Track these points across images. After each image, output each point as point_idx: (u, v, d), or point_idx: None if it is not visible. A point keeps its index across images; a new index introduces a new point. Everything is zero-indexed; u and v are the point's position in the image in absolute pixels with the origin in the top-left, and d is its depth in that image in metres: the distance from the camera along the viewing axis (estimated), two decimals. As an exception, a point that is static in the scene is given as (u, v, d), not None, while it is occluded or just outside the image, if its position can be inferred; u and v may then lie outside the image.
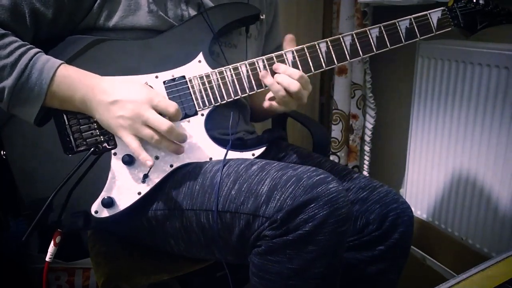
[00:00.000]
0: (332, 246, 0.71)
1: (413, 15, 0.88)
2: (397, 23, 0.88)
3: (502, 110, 1.18)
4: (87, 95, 0.76)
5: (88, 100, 0.76)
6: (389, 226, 0.86)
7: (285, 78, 0.82)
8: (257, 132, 1.06)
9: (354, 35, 0.87)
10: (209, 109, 0.84)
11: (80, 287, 1.45)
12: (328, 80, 1.85)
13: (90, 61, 0.81)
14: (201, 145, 0.83)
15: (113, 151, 0.80)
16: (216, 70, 0.84)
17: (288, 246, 0.71)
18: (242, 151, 0.85)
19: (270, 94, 0.87)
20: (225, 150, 0.84)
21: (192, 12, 0.88)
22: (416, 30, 0.88)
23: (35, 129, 0.78)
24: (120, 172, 0.80)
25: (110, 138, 0.80)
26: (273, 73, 0.84)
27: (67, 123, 0.80)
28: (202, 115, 0.84)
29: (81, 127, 0.80)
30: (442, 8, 0.89)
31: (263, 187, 0.73)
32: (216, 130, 0.87)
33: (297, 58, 0.85)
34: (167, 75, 0.83)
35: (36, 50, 0.76)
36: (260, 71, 0.85)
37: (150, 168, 0.80)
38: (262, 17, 0.93)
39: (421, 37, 0.89)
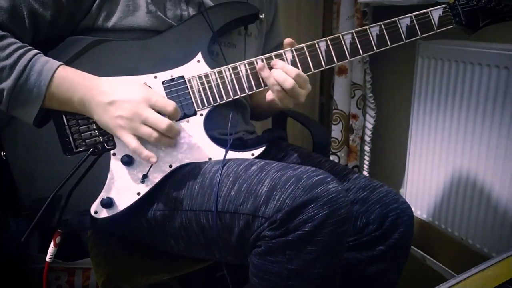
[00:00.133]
0: (332, 246, 0.71)
1: (414, 13, 0.87)
2: (397, 21, 0.87)
3: (502, 110, 1.18)
4: (85, 96, 0.76)
5: (86, 101, 0.76)
6: (389, 226, 0.86)
7: (280, 74, 0.82)
8: (257, 132, 1.06)
9: (354, 33, 0.86)
10: (208, 109, 0.84)
11: (80, 287, 1.45)
12: (328, 80, 1.85)
13: (89, 61, 0.81)
14: (200, 145, 0.83)
15: (112, 152, 0.80)
16: (215, 70, 0.84)
17: (287, 246, 0.70)
18: (242, 151, 0.85)
19: (270, 92, 0.87)
20: (224, 150, 0.84)
21: (192, 12, 0.88)
22: (417, 28, 0.87)
23: (35, 130, 0.78)
24: (119, 172, 0.80)
25: (109, 138, 0.80)
26: (272, 69, 0.84)
27: (66, 124, 0.80)
28: (201, 115, 0.84)
29: (80, 127, 0.80)
30: (443, 5, 0.88)
31: (262, 188, 0.73)
32: (215, 130, 0.87)
33: (296, 57, 0.85)
34: (166, 75, 0.83)
35: (35, 51, 0.76)
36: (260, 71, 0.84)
37: (150, 169, 0.80)
38: (261, 16, 0.93)
39: (422, 35, 0.88)
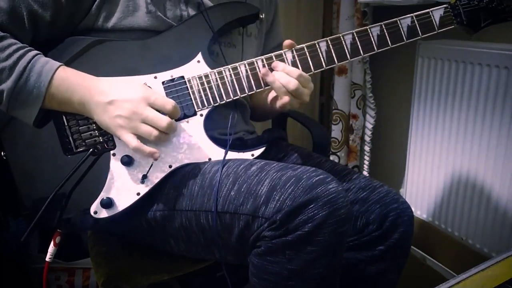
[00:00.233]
0: (332, 246, 0.71)
1: (415, 13, 0.87)
2: (398, 21, 0.87)
3: (502, 110, 1.18)
4: (84, 97, 0.76)
5: (86, 102, 0.76)
6: (389, 226, 0.86)
7: (282, 75, 0.82)
8: (257, 132, 1.06)
9: (354, 33, 0.86)
10: (208, 109, 0.84)
11: (80, 287, 1.45)
12: (328, 80, 1.85)
13: (89, 62, 0.81)
14: (200, 145, 0.83)
15: (112, 152, 0.80)
16: (215, 70, 0.84)
17: (287, 246, 0.70)
18: (241, 152, 0.85)
19: (272, 94, 0.87)
20: (224, 151, 0.84)
21: (192, 12, 0.88)
22: (418, 28, 0.87)
23: (35, 130, 0.78)
24: (119, 172, 0.80)
25: (109, 138, 0.80)
26: (272, 71, 0.84)
27: (66, 124, 0.80)
28: (201, 115, 0.84)
29: (80, 128, 0.80)
30: (444, 5, 0.88)
31: (262, 188, 0.73)
32: (215, 130, 0.87)
33: (296, 58, 0.85)
34: (166, 75, 0.83)
35: (35, 52, 0.76)
36: (260, 71, 0.84)
37: (149, 169, 0.80)
38: (261, 16, 0.92)
39: (423, 35, 0.88)
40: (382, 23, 0.87)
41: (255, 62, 0.85)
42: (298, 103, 0.85)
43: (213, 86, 0.84)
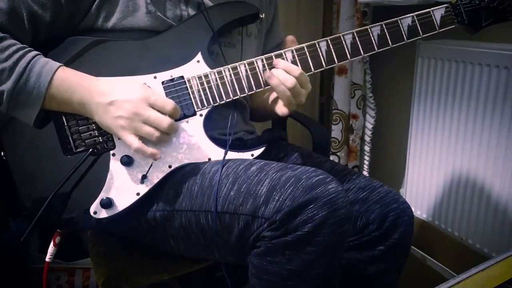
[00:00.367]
0: (332, 246, 0.71)
1: (416, 13, 0.87)
2: (399, 21, 0.87)
3: (502, 110, 1.18)
4: (84, 97, 0.76)
5: (86, 102, 0.76)
6: (389, 226, 0.86)
7: (281, 73, 0.82)
8: (257, 132, 1.06)
9: (355, 33, 0.86)
10: (208, 109, 0.84)
11: (80, 287, 1.45)
12: (328, 80, 1.85)
13: (89, 62, 0.81)
14: (200, 145, 0.83)
15: (111, 152, 0.80)
16: (214, 70, 0.84)
17: (287, 247, 0.70)
18: (241, 152, 0.85)
19: (273, 95, 0.86)
20: (224, 151, 0.84)
21: (192, 12, 0.88)
22: (419, 28, 0.87)
23: (35, 130, 0.78)
24: (118, 173, 0.80)
25: (109, 139, 0.80)
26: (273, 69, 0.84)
27: (66, 124, 0.80)
28: (201, 115, 0.84)
29: (79, 128, 0.80)
30: (445, 5, 0.87)
31: (262, 188, 0.73)
32: (215, 130, 0.87)
33: (296, 58, 0.85)
34: (166, 75, 0.83)
35: (35, 53, 0.76)
36: (259, 71, 0.84)
37: (149, 169, 0.80)
38: (261, 16, 0.92)
39: (424, 35, 0.87)
40: (382, 22, 0.86)
41: (254, 62, 0.85)
42: (295, 105, 0.85)
43: (213, 86, 0.84)
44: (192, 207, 0.79)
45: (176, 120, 0.80)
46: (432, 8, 0.87)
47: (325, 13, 1.82)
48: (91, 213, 0.79)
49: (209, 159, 0.84)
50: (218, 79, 0.84)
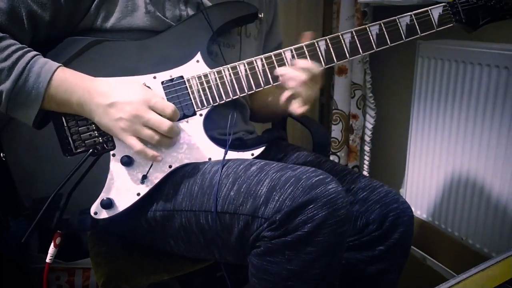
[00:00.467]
0: (331, 247, 0.71)
1: (414, 12, 0.87)
2: (397, 19, 0.87)
3: (502, 110, 1.18)
4: (83, 98, 0.76)
5: (85, 103, 0.76)
6: (389, 226, 0.86)
7: (290, 70, 0.82)
8: (257, 132, 1.06)
9: (353, 32, 0.86)
10: (208, 109, 0.84)
11: (80, 287, 1.45)
12: (328, 80, 1.85)
13: (88, 62, 0.81)
14: (199, 145, 0.83)
15: (111, 152, 0.80)
16: (214, 70, 0.84)
17: (287, 247, 0.70)
18: (241, 151, 0.85)
19: (285, 95, 0.85)
20: (224, 150, 0.84)
21: (191, 12, 0.88)
22: (417, 27, 0.87)
23: (34, 130, 0.78)
24: (119, 173, 0.80)
25: (109, 139, 0.80)
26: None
27: (65, 125, 0.80)
28: (201, 115, 0.84)
29: (79, 128, 0.80)
30: (443, 4, 0.88)
31: (262, 188, 0.73)
32: (215, 130, 0.87)
33: (296, 57, 0.85)
34: (165, 75, 0.83)
35: (34, 53, 0.76)
36: (260, 70, 0.84)
37: (149, 169, 0.80)
38: (260, 16, 0.92)
39: (422, 34, 0.88)
40: (381, 21, 0.87)
41: (254, 62, 0.85)
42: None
43: (213, 85, 0.84)
44: (192, 207, 0.79)
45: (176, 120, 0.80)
46: (430, 7, 0.88)
47: (325, 13, 1.82)
48: (92, 214, 0.79)
49: (209, 159, 0.84)
50: (217, 78, 0.84)
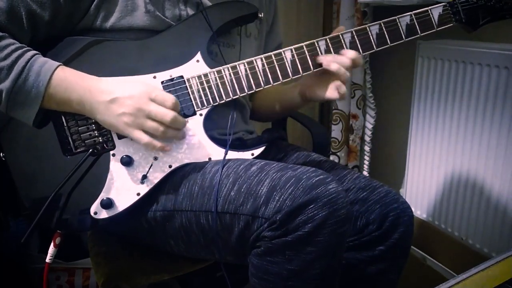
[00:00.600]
0: (332, 247, 0.71)
1: (414, 11, 0.87)
2: (397, 19, 0.87)
3: (502, 110, 1.18)
4: (84, 96, 0.76)
5: (86, 102, 0.76)
6: (389, 226, 0.86)
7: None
8: (257, 132, 1.06)
9: (353, 32, 0.86)
10: (208, 109, 0.84)
11: (80, 287, 1.45)
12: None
13: (88, 62, 0.81)
14: (200, 145, 0.83)
15: (111, 152, 0.80)
16: (214, 70, 0.84)
17: (287, 247, 0.70)
18: (241, 151, 0.85)
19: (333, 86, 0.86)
20: (224, 150, 0.84)
21: (191, 12, 0.88)
22: (417, 27, 0.87)
23: (34, 131, 0.78)
24: (118, 173, 0.80)
25: (109, 139, 0.80)
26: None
27: (65, 125, 0.80)
28: (201, 115, 0.84)
29: (79, 128, 0.80)
30: (443, 3, 0.88)
31: (262, 188, 0.73)
32: (215, 130, 0.87)
33: (296, 57, 0.85)
34: (165, 75, 0.83)
35: (33, 52, 0.75)
36: (259, 70, 0.84)
37: (149, 169, 0.80)
38: (260, 16, 0.92)
39: (422, 34, 0.88)
40: (381, 21, 0.87)
41: (254, 62, 0.85)
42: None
43: (213, 85, 0.84)
44: (192, 207, 0.79)
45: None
46: (430, 7, 0.88)
47: (325, 13, 1.82)
48: (92, 214, 0.79)
49: (210, 158, 0.84)
50: (217, 78, 0.84)
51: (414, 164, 1.48)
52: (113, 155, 0.80)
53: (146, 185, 0.80)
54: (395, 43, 0.88)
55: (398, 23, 0.87)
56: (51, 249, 0.86)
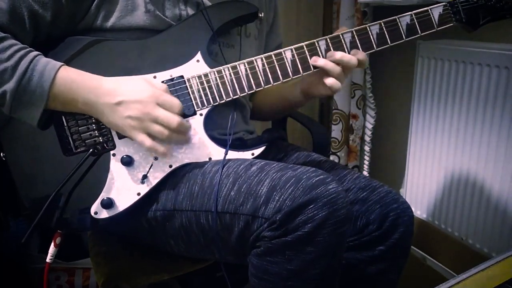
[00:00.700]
0: (331, 247, 0.71)
1: (414, 11, 0.87)
2: (397, 19, 0.87)
3: (502, 110, 1.18)
4: (89, 96, 0.76)
5: (92, 102, 0.76)
6: (389, 226, 0.86)
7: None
8: (257, 132, 1.06)
9: (354, 32, 0.86)
10: (208, 109, 0.84)
11: (80, 287, 1.45)
12: (328, 80, 1.85)
13: (88, 61, 0.81)
14: (200, 145, 0.83)
15: (112, 152, 0.80)
16: (214, 70, 0.84)
17: (287, 247, 0.70)
18: (242, 151, 0.85)
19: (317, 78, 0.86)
20: (224, 150, 0.84)
21: (191, 12, 0.88)
22: (417, 26, 0.87)
23: (34, 130, 0.78)
24: (119, 173, 0.80)
25: (109, 139, 0.80)
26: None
27: (65, 124, 0.80)
28: (201, 115, 0.84)
29: (79, 128, 0.80)
30: (443, 3, 0.88)
31: (262, 188, 0.73)
32: (215, 130, 0.87)
33: (296, 57, 0.85)
34: (165, 75, 0.83)
35: (36, 52, 0.75)
36: (260, 70, 0.84)
37: (150, 169, 0.80)
38: (260, 15, 0.92)
39: (422, 33, 0.88)
40: (381, 21, 0.87)
41: (254, 61, 0.85)
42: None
43: (213, 85, 0.84)
44: (192, 207, 0.79)
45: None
46: (430, 7, 0.88)
47: (325, 13, 1.82)
48: (92, 213, 0.79)
49: (210, 158, 0.84)
50: (218, 78, 0.84)
51: (414, 164, 1.48)
52: (114, 155, 0.80)
53: (147, 185, 0.80)
54: (395, 43, 0.88)
55: (398, 23, 0.87)
56: (51, 249, 0.86)
